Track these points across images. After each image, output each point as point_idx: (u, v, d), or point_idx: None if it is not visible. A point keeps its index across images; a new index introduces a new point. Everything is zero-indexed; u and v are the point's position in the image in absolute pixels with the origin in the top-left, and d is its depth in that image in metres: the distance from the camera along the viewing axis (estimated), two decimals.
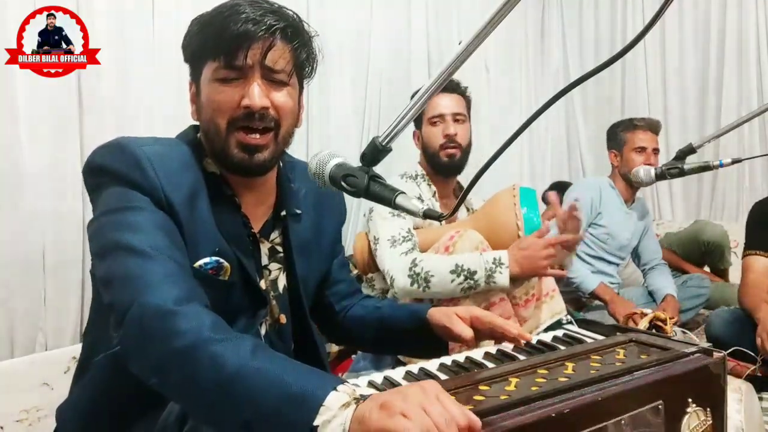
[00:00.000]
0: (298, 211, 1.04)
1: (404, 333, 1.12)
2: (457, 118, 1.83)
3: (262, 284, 0.99)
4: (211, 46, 0.89)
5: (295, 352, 1.07)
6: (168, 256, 0.78)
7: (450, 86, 1.84)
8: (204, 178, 0.91)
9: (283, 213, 1.02)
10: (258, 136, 0.90)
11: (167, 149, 0.90)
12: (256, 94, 0.88)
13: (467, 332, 1.02)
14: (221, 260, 0.90)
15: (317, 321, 1.25)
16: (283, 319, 1.03)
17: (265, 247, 1.01)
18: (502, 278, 1.50)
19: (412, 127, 0.78)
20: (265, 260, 1.01)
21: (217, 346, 0.67)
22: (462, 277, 1.50)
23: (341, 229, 1.20)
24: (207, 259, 0.88)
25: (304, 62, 0.95)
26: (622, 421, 0.71)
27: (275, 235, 1.03)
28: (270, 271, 1.02)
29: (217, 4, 0.91)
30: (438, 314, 1.07)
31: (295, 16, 0.93)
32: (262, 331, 1.00)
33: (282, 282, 1.04)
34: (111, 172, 0.85)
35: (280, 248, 1.03)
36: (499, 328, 1.02)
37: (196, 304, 0.73)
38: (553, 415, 0.66)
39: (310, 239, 1.06)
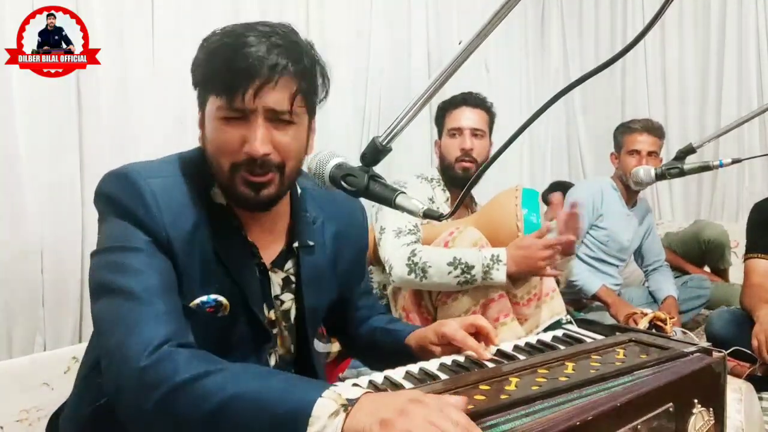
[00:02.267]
0: (311, 243, 1.01)
1: (394, 356, 1.08)
2: (475, 132, 1.85)
3: (272, 315, 0.97)
4: (214, 82, 0.85)
5: None
6: (158, 298, 0.78)
7: (474, 101, 1.89)
8: (210, 210, 0.90)
9: (296, 245, 0.99)
10: (262, 175, 0.87)
11: (173, 181, 0.88)
12: (258, 140, 0.83)
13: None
14: (219, 298, 0.88)
15: (335, 335, 1.27)
16: (294, 350, 1.02)
17: (278, 278, 0.98)
18: (499, 275, 1.50)
19: (412, 126, 0.77)
20: (277, 290, 0.98)
21: (196, 384, 0.68)
22: (459, 270, 1.50)
23: (363, 257, 1.17)
24: (204, 298, 0.87)
25: (312, 94, 0.91)
26: (638, 427, 0.70)
27: (290, 266, 1.00)
28: (282, 302, 1.00)
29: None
30: (415, 346, 1.05)
31: (304, 46, 0.88)
32: (272, 363, 0.99)
33: (294, 313, 1.02)
34: (115, 203, 0.85)
35: (294, 278, 1.01)
36: (472, 351, 0.95)
37: (170, 348, 0.73)
38: (578, 423, 0.64)
39: (325, 270, 1.03)
